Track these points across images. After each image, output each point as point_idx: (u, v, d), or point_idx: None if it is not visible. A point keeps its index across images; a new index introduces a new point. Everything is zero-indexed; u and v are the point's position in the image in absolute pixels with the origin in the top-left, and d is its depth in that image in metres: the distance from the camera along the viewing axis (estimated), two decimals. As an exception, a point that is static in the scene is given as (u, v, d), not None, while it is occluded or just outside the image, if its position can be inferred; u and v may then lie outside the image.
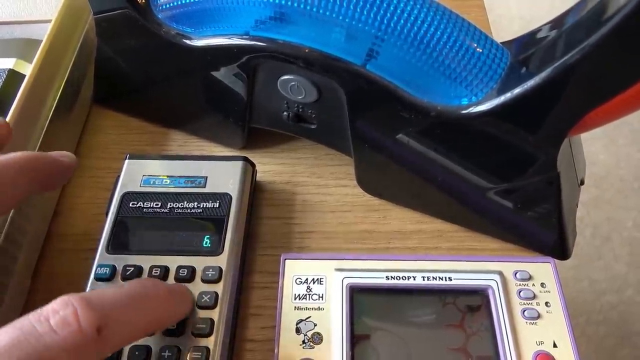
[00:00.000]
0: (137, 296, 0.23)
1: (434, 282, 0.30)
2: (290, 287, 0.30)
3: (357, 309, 0.29)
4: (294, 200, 0.36)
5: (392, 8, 0.28)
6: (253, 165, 0.35)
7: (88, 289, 0.29)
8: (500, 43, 0.31)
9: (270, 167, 0.38)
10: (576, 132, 0.27)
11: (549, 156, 0.28)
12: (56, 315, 0.20)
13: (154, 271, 0.29)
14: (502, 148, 0.29)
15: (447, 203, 0.34)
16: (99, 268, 0.29)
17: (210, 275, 0.29)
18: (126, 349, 0.26)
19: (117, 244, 0.30)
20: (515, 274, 0.31)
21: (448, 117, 0.29)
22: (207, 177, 0.33)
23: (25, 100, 0.32)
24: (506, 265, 0.31)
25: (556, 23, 0.29)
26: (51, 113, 0.35)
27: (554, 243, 0.32)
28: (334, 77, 0.31)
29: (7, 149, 0.26)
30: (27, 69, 0.35)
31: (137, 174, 0.33)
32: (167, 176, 0.33)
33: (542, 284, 0.30)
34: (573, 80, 0.25)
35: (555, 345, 0.28)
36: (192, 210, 0.31)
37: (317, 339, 0.29)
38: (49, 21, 0.37)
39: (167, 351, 0.26)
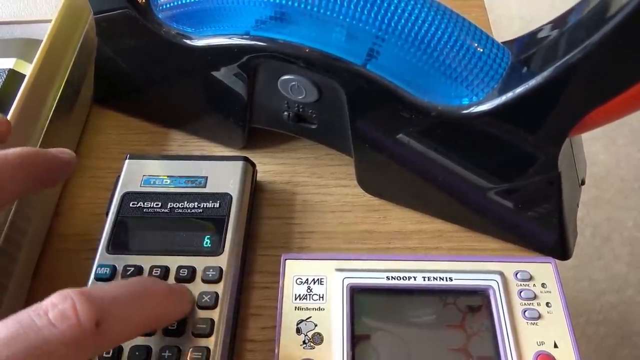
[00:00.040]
0: (136, 293, 0.23)
1: (435, 282, 0.30)
2: (290, 287, 0.30)
3: (358, 309, 0.29)
4: (294, 200, 0.36)
5: (392, 8, 0.28)
6: (253, 165, 0.35)
7: (88, 289, 0.29)
8: (501, 43, 0.31)
9: (271, 167, 0.38)
10: (577, 132, 0.27)
11: (550, 156, 0.28)
12: (55, 308, 0.20)
13: (154, 271, 0.29)
14: (503, 148, 0.29)
15: (448, 203, 0.34)
16: (99, 268, 0.29)
17: (210, 275, 0.29)
18: (126, 349, 0.26)
19: (118, 244, 0.30)
20: (516, 274, 0.31)
21: (449, 117, 0.29)
22: (207, 177, 0.33)
23: (26, 100, 0.32)
24: (507, 265, 0.31)
25: (557, 23, 0.29)
26: (51, 113, 0.35)
27: (555, 243, 0.32)
28: (335, 77, 0.31)
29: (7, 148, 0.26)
30: (27, 69, 0.35)
31: (138, 174, 0.33)
32: (168, 176, 0.33)
33: (543, 284, 0.30)
34: (574, 79, 0.25)
35: (556, 346, 0.28)
36: (193, 210, 0.31)
37: (317, 339, 0.29)
38: (49, 21, 0.37)
39: (167, 351, 0.26)
